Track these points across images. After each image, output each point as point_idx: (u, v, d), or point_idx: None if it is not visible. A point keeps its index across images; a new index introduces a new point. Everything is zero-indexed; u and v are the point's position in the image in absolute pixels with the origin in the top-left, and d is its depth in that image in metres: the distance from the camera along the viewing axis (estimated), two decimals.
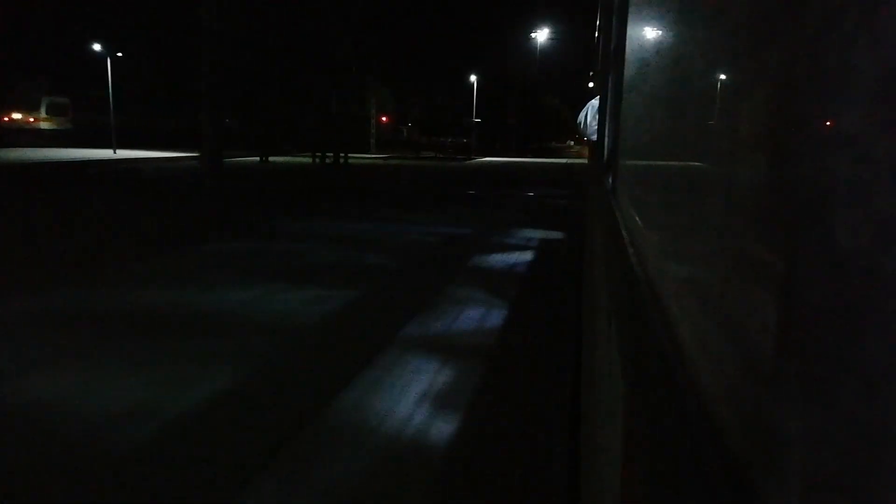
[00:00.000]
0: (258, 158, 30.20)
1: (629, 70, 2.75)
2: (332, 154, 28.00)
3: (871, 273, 0.38)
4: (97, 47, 42.36)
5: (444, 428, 2.74)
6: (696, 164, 0.99)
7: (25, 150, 31.39)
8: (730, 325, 0.67)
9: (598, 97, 5.81)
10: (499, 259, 9.16)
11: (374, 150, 40.92)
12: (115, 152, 32.60)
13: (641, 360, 1.01)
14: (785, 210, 0.53)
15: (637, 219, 1.93)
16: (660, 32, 1.57)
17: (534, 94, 50.63)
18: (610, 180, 3.84)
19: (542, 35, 46.01)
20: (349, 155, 31.89)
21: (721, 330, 0.70)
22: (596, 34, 8.76)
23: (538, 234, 11.95)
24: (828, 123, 0.45)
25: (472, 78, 45.57)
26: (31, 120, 38.60)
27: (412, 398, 3.34)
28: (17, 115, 38.21)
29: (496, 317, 6.17)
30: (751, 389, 0.56)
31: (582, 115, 7.89)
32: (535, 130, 51.36)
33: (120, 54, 41.02)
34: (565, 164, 29.26)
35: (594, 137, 6.22)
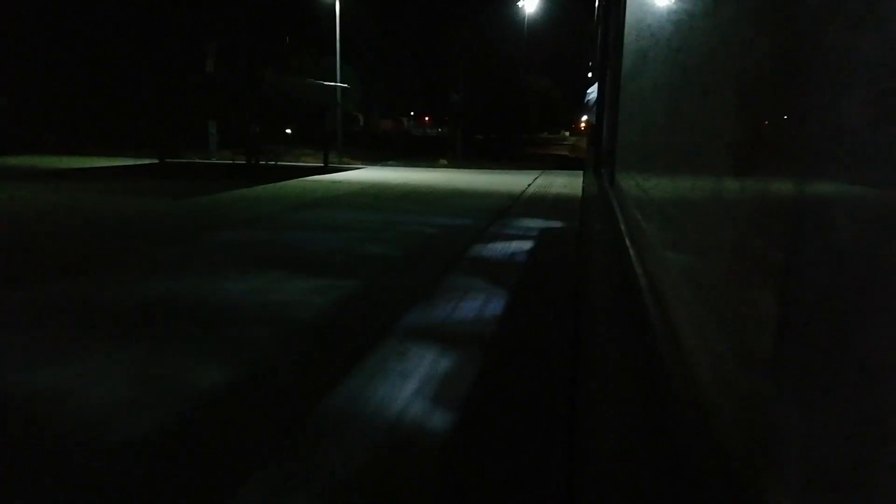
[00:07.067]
0: None
1: (627, 61, 2.75)
2: None
3: (868, 269, 0.38)
4: None
5: (442, 413, 2.78)
6: (695, 156, 0.99)
7: None
8: (728, 319, 0.67)
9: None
10: None
11: (215, 151, 21.69)
12: None
13: (638, 353, 1.02)
14: (783, 204, 0.53)
15: (635, 211, 1.93)
16: (658, 24, 1.56)
17: (513, 69, 32.81)
18: (608, 172, 3.84)
19: (530, 5, 30.38)
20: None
21: (720, 323, 0.70)
22: (595, 15, 8.68)
23: None
24: (824, 118, 0.45)
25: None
26: None
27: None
28: None
29: None
30: (748, 383, 0.56)
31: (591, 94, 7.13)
32: (511, 118, 33.71)
33: None
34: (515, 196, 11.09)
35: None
